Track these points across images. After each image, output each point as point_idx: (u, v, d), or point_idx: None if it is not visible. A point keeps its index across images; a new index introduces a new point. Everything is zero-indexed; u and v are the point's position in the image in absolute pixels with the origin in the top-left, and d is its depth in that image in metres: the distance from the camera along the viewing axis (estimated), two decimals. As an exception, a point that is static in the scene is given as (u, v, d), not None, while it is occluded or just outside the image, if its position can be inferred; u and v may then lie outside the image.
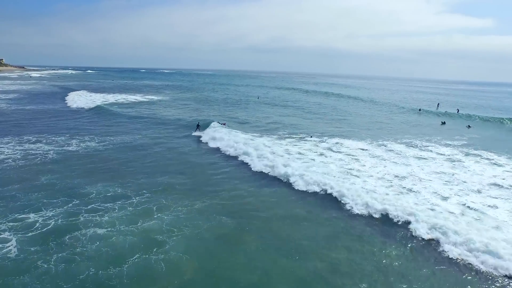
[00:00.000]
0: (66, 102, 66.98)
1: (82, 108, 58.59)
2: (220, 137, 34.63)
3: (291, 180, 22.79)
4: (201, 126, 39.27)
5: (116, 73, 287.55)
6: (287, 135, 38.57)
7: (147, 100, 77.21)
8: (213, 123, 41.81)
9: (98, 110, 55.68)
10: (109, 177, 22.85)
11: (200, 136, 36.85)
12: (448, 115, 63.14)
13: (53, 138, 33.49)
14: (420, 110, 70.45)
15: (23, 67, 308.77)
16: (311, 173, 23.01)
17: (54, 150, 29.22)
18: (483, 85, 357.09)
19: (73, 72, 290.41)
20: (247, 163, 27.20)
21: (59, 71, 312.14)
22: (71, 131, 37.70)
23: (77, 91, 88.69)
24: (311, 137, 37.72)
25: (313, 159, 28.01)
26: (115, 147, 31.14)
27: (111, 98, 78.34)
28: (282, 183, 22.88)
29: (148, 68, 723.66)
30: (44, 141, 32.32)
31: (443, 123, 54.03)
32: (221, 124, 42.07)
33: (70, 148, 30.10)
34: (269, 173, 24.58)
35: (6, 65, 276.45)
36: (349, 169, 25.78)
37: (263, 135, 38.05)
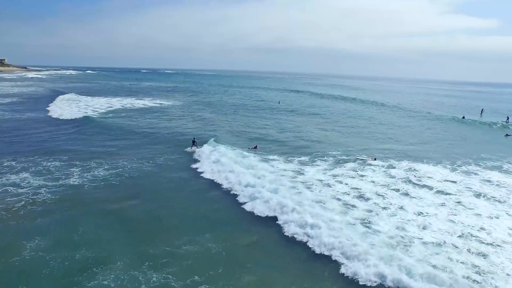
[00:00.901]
0: (48, 111, 57.09)
1: (63, 118, 49.46)
2: (229, 167, 26.36)
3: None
4: (198, 143, 33.38)
5: (117, 74, 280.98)
6: (339, 158, 30.70)
7: (154, 105, 69.90)
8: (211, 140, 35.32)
9: (84, 122, 46.80)
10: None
11: (193, 153, 31.28)
12: (498, 124, 55.60)
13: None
14: (463, 117, 62.94)
15: (25, 67, 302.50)
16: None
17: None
18: (490, 86, 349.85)
19: (73, 72, 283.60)
20: (285, 229, 17.26)
21: (60, 71, 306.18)
22: (33, 153, 29.38)
23: (66, 94, 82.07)
24: (374, 159, 30.12)
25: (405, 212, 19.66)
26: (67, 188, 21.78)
27: (115, 103, 71.19)
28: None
29: (150, 68, 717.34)
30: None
31: (508, 135, 46.65)
32: (251, 148, 33.39)
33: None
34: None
35: (8, 65, 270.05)
36: (473, 235, 16.73)
37: (305, 163, 28.89)
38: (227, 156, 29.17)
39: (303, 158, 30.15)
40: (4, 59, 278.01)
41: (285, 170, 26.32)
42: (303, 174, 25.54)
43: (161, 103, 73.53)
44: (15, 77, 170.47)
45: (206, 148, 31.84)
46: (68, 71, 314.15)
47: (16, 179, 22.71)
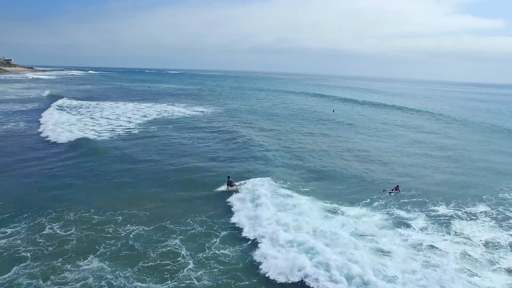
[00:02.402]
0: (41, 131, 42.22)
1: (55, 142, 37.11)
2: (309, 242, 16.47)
3: None
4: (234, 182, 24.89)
5: (122, 74, 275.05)
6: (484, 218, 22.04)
7: (191, 114, 63.59)
8: (257, 179, 25.64)
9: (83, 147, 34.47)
10: None
11: (231, 194, 23.34)
12: None
13: None
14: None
15: (31, 68, 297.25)
16: None
17: None
18: (502, 88, 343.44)
19: (75, 73, 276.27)
20: None
21: (64, 71, 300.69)
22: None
23: (62, 99, 74.82)
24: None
25: None
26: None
27: (151, 111, 64.88)
28: None
29: (153, 68, 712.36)
30: None
31: None
32: (390, 191, 24.94)
33: None
34: None
35: (15, 65, 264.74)
36: None
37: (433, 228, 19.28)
38: (303, 210, 20.30)
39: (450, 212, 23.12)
40: (11, 59, 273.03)
41: (421, 242, 18.09)
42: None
43: (194, 112, 67.17)
44: (21, 78, 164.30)
45: (253, 189, 23.59)
46: (71, 71, 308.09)
47: None
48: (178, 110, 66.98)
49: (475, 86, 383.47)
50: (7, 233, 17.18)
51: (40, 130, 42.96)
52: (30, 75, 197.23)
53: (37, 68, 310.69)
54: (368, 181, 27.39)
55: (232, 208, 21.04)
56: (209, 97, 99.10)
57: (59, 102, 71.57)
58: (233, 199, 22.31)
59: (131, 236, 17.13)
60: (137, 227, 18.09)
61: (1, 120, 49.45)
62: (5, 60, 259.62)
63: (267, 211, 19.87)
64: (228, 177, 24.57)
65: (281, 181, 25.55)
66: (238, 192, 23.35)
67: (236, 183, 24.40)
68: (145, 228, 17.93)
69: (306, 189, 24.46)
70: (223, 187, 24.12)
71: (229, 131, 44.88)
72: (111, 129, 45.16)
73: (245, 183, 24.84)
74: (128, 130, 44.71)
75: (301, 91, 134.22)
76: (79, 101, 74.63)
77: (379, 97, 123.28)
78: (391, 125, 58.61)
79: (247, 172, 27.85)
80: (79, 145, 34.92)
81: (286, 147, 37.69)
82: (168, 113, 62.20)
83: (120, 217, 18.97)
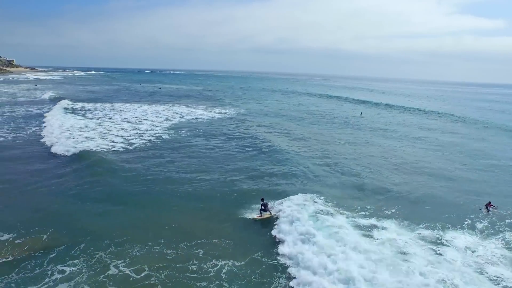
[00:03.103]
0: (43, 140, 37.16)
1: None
2: None
3: None
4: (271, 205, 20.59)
5: (122, 75, 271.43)
6: None
7: (215, 117, 60.29)
8: (296, 196, 21.80)
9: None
10: None
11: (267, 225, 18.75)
12: None
13: None
14: None
15: (33, 68, 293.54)
16: None
17: None
18: (505, 88, 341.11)
19: (76, 73, 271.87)
20: None
21: (65, 72, 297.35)
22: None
23: (76, 102, 71.82)
24: None
25: None
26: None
27: (170, 114, 61.55)
28: None
29: (153, 69, 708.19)
30: None
31: None
32: (487, 209, 21.44)
33: None
34: None
35: (17, 66, 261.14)
36: None
37: None
38: (388, 241, 16.66)
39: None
40: (13, 60, 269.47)
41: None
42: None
43: (218, 115, 63.84)
44: (26, 78, 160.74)
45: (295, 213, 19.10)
46: (72, 72, 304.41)
47: None
48: (200, 112, 63.65)
49: (479, 86, 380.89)
50: (66, 273, 13.90)
51: (59, 137, 39.31)
52: (32, 75, 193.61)
53: (39, 69, 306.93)
54: (445, 198, 23.93)
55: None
56: (225, 98, 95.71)
57: (75, 105, 68.46)
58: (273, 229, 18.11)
59: (223, 275, 13.84)
60: (224, 261, 14.80)
61: (21, 124, 46.14)
62: (7, 60, 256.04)
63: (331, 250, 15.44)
64: (262, 200, 20.00)
65: (333, 201, 21.62)
66: (274, 217, 19.27)
67: (271, 207, 19.99)
68: (236, 263, 14.64)
69: (372, 211, 20.73)
70: (255, 215, 19.56)
71: (257, 138, 40.53)
72: (139, 134, 41.83)
73: (281, 204, 20.69)
74: (157, 135, 41.40)
75: (313, 92, 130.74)
76: (93, 104, 71.30)
77: (392, 98, 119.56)
78: (425, 129, 55.04)
79: (284, 188, 24.19)
80: (110, 156, 31.50)
81: (324, 157, 33.42)
82: (191, 116, 58.89)
83: (200, 249, 15.66)
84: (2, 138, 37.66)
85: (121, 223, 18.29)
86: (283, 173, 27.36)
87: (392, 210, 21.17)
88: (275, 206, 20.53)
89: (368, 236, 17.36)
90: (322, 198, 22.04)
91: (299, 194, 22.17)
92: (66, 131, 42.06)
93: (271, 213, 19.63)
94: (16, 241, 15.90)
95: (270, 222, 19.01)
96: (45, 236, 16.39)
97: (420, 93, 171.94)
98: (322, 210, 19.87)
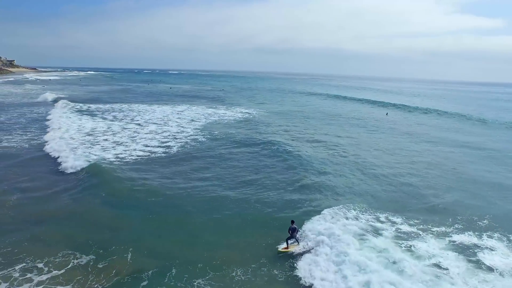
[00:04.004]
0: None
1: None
2: None
3: None
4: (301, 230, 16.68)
5: (122, 75, 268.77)
6: None
7: (240, 117, 58.11)
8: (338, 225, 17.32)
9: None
10: None
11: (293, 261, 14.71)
12: None
13: None
14: None
15: (34, 69, 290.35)
16: None
17: None
18: (508, 87, 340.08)
19: (75, 74, 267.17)
20: None
21: (64, 72, 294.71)
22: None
23: (90, 104, 69.37)
24: None
25: None
26: None
27: (192, 114, 59.34)
28: None
29: (154, 69, 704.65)
30: None
31: None
32: None
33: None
34: None
35: (17, 66, 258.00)
36: None
37: None
38: None
39: None
40: (13, 60, 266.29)
41: None
42: None
43: (240, 114, 61.73)
44: (29, 78, 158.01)
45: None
46: (71, 72, 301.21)
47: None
48: (222, 112, 61.65)
49: (484, 86, 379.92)
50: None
51: (91, 143, 37.33)
52: (34, 76, 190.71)
53: (40, 69, 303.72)
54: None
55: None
56: (240, 98, 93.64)
57: (89, 106, 66.26)
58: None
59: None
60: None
61: (47, 129, 43.78)
62: (8, 61, 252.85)
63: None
64: (292, 223, 15.78)
65: (391, 219, 18.73)
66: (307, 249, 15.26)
67: (301, 236, 16.06)
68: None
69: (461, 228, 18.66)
70: (282, 247, 15.51)
71: (289, 145, 38.64)
72: (172, 136, 39.66)
73: (315, 224, 17.18)
74: (192, 137, 39.26)
75: (323, 93, 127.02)
76: (109, 105, 69.03)
77: (401, 98, 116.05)
78: (453, 131, 51.54)
79: (321, 202, 20.96)
80: (158, 166, 29.40)
81: (362, 167, 29.18)
82: (215, 117, 56.74)
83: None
84: (35, 142, 35.44)
85: (208, 241, 16.21)
86: (321, 184, 23.95)
87: (484, 222, 19.20)
88: (306, 232, 16.46)
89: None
90: (378, 216, 19.69)
91: (339, 206, 19.74)
92: (88, 135, 39.46)
93: (298, 243, 15.61)
94: (99, 265, 13.80)
95: (303, 257, 14.85)
96: (128, 257, 14.29)
97: (427, 92, 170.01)
98: (376, 231, 17.00)
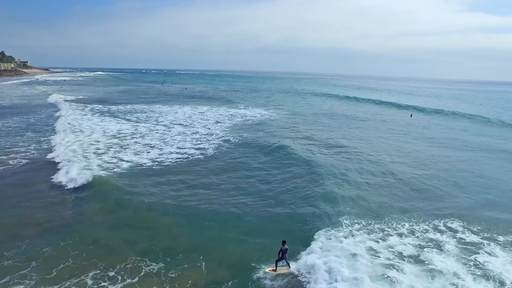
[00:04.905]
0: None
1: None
2: None
3: None
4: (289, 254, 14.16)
5: (131, 75, 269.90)
6: None
7: (263, 118, 57.37)
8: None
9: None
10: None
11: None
12: None
13: None
14: None
15: (47, 69, 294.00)
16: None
17: None
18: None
19: (83, 74, 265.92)
20: None
21: (71, 72, 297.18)
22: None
23: (117, 106, 69.00)
24: None
25: None
26: None
27: (215, 115, 58.95)
28: None
29: (160, 69, 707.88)
30: None
31: None
32: None
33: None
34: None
35: (31, 67, 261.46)
36: None
37: None
38: None
39: None
40: (27, 62, 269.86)
41: None
42: None
43: (259, 115, 61.13)
44: (46, 79, 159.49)
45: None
46: (79, 72, 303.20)
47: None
48: (243, 112, 61.28)
49: (496, 85, 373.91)
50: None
51: (124, 147, 37.09)
52: (47, 76, 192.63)
53: (52, 70, 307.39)
54: None
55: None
56: (257, 99, 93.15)
57: (109, 108, 66.39)
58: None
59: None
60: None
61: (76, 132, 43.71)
62: (22, 62, 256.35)
63: None
64: (283, 243, 13.79)
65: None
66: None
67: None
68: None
69: None
70: (268, 269, 13.79)
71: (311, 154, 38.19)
72: (204, 138, 39.10)
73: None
74: (224, 139, 38.72)
75: (335, 93, 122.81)
76: (129, 105, 69.13)
77: (418, 99, 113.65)
78: (487, 136, 48.98)
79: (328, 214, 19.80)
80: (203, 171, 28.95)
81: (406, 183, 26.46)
82: (239, 117, 56.25)
83: None
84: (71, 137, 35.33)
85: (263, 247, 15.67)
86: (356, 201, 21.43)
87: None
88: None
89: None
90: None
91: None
92: (114, 137, 39.01)
93: (289, 266, 13.96)
94: (170, 274, 13.30)
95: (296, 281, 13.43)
96: (203, 267, 13.78)
97: (441, 93, 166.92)
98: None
